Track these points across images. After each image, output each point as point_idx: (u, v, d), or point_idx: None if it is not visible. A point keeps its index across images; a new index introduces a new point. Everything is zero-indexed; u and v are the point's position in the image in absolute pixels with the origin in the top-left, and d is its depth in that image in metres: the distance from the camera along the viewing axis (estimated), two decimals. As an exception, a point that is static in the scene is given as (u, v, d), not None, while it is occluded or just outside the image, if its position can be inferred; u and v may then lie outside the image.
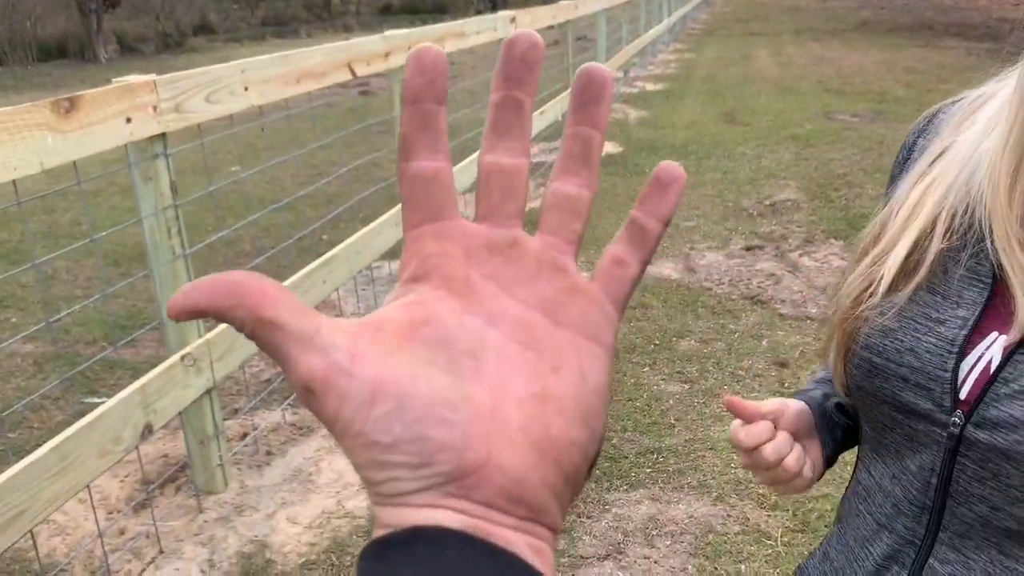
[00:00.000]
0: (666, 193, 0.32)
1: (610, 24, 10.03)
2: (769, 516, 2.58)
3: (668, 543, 2.50)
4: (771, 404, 0.92)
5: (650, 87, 11.14)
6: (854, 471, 0.93)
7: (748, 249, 4.82)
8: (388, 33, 3.91)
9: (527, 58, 0.31)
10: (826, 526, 2.51)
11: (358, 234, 3.46)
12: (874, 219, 0.86)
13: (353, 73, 3.52)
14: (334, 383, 0.28)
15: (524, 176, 0.32)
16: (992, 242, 0.74)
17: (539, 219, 0.32)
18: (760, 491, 2.69)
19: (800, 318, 3.91)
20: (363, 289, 4.24)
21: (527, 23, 5.99)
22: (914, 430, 0.79)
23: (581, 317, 0.31)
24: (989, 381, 0.73)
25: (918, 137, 0.91)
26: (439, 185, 0.31)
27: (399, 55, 3.93)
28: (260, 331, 0.28)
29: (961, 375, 0.75)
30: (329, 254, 3.24)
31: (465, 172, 4.81)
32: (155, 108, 2.41)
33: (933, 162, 0.83)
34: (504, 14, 5.72)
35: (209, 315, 0.28)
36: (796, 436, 0.92)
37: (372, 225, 3.58)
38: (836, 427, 0.97)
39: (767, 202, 5.66)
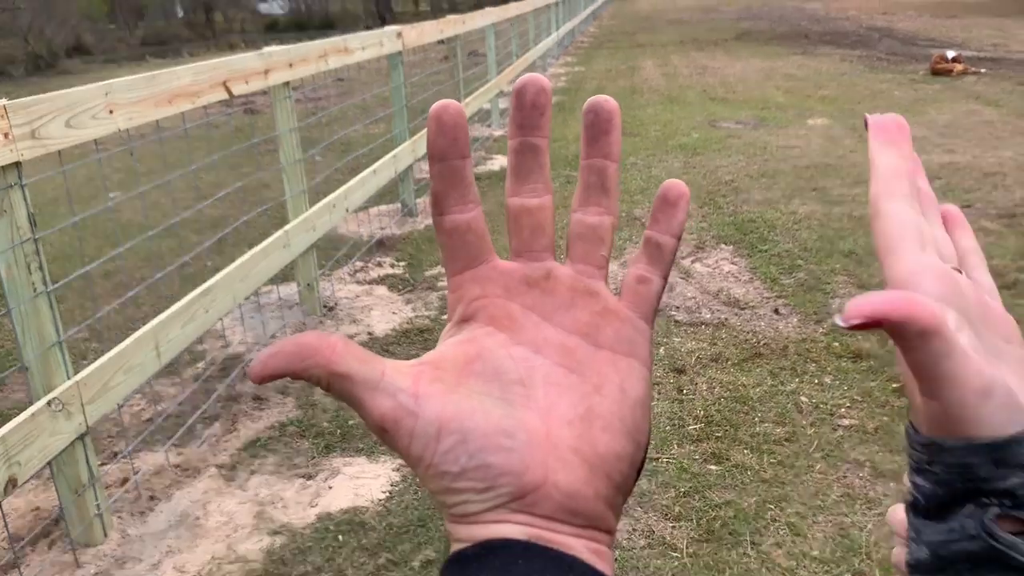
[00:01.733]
0: (675, 209, 0.35)
1: (500, 38, 10.05)
2: (674, 527, 2.56)
3: (575, 563, 2.45)
4: None
5: (542, 100, 11.20)
6: None
7: (643, 258, 4.86)
8: (266, 50, 3.77)
9: (537, 103, 0.34)
10: (730, 534, 2.51)
11: (241, 259, 3.30)
12: None
13: (229, 92, 3.37)
14: (403, 423, 0.31)
15: (550, 212, 0.35)
16: None
17: (567, 248, 0.35)
18: (664, 502, 2.68)
19: (695, 324, 3.95)
20: (251, 317, 4.06)
21: (414, 38, 5.91)
22: None
23: (616, 336, 0.34)
24: None
25: None
26: (474, 234, 0.34)
27: (280, 72, 3.80)
28: (334, 383, 0.31)
29: None
30: (210, 282, 3.08)
31: (361, 187, 4.69)
32: (6, 135, 2.23)
33: None
34: (390, 29, 5.62)
35: (287, 376, 0.30)
36: None
37: (256, 249, 3.43)
38: None
39: (659, 210, 5.74)
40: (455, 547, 0.31)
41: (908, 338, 0.29)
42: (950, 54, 11.41)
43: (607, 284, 0.35)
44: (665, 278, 0.36)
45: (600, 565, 0.31)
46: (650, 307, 0.35)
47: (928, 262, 0.36)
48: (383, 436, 0.32)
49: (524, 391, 0.32)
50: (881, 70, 12.20)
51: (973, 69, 11.19)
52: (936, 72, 11.12)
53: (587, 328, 0.34)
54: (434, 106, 0.33)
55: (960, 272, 0.38)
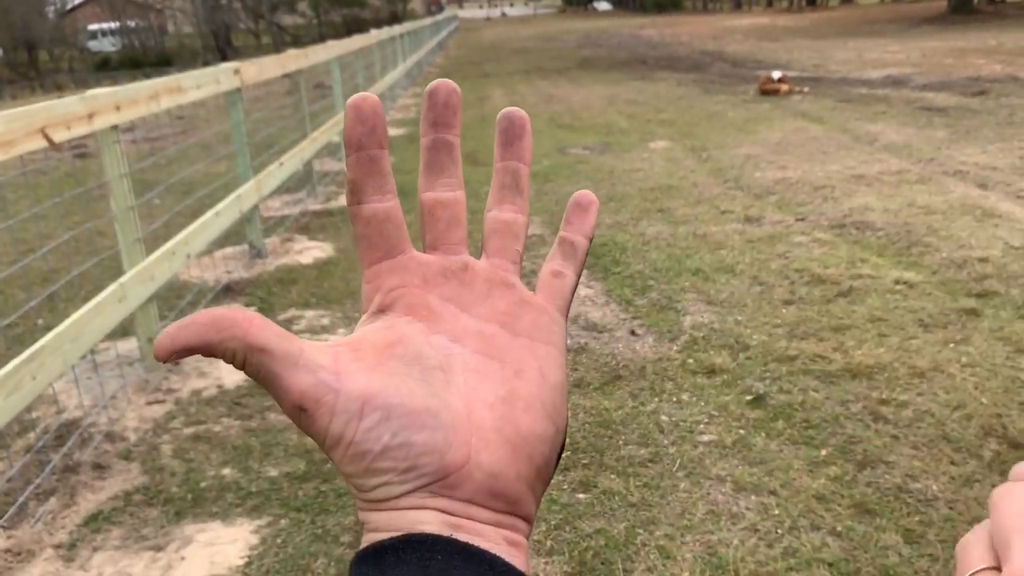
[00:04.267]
0: (586, 213, 0.38)
1: (345, 71, 9.92)
2: (547, 563, 2.53)
3: (449, 611, 2.37)
4: None
5: (393, 132, 11.14)
6: None
7: (501, 287, 4.86)
8: (90, 93, 3.54)
9: (450, 103, 0.35)
10: (603, 563, 2.50)
11: (71, 318, 3.06)
12: None
13: (50, 140, 3.14)
14: (324, 400, 0.30)
15: (463, 207, 0.36)
16: None
17: (483, 243, 0.37)
18: (536, 538, 2.64)
19: (557, 351, 3.96)
20: (87, 378, 3.77)
21: (253, 74, 5.74)
22: None
23: (533, 325, 0.35)
24: None
25: None
26: (391, 223, 0.34)
27: (106, 115, 3.57)
28: (251, 358, 0.29)
29: None
30: (36, 345, 2.84)
31: (204, 231, 4.47)
32: None
33: None
34: (227, 66, 5.43)
35: (199, 351, 0.29)
36: None
37: (88, 306, 3.19)
38: None
39: (515, 238, 5.77)
40: (370, 537, 0.31)
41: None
42: (776, 74, 12.15)
43: (521, 279, 0.37)
44: (578, 275, 0.38)
45: (517, 560, 0.31)
46: (564, 300, 0.37)
47: None
48: (300, 417, 0.30)
49: (444, 377, 0.32)
50: (715, 92, 12.84)
51: (797, 89, 11.95)
52: (764, 92, 11.80)
53: (505, 317, 0.35)
54: (352, 97, 0.33)
55: None
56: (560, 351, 0.36)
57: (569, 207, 0.39)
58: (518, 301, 0.35)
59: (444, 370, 0.32)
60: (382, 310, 0.34)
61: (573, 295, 0.38)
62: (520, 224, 0.37)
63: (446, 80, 0.35)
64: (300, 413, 0.30)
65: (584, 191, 0.39)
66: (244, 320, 0.30)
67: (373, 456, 0.30)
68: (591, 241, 0.39)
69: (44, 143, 3.10)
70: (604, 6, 78.40)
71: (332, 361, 0.31)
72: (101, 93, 3.57)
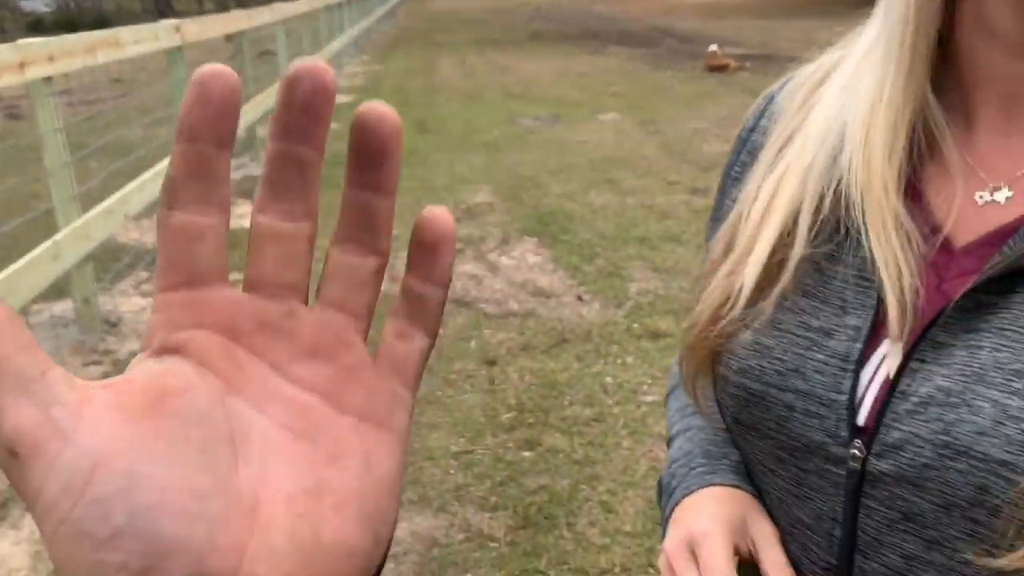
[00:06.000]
0: (436, 253, 0.28)
1: (290, 36, 9.73)
2: (491, 517, 2.54)
3: (392, 566, 2.37)
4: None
5: (340, 99, 10.92)
6: None
7: (448, 253, 4.84)
8: (22, 41, 3.41)
9: (311, 106, 0.24)
10: (546, 518, 2.52)
11: (1, 275, 2.96)
12: (719, 226, 0.70)
13: (-22, 88, 3.01)
14: (45, 447, 0.21)
15: (307, 244, 0.26)
16: (867, 230, 0.59)
17: (319, 287, 0.27)
18: (480, 493, 2.65)
19: (504, 315, 3.97)
20: (20, 337, 3.66)
21: (195, 33, 5.58)
22: (805, 471, 0.61)
23: (366, 400, 0.27)
24: (887, 399, 0.57)
25: (759, 119, 0.75)
26: (206, 246, 0.25)
27: (39, 66, 3.44)
28: None
29: (859, 396, 0.59)
30: (-35, 300, 2.73)
31: (141, 191, 4.36)
32: None
33: (781, 149, 0.67)
34: (168, 22, 5.27)
35: None
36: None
37: (20, 263, 3.08)
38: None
39: (463, 206, 5.74)
40: None
41: None
42: (712, 47, 12.26)
43: (366, 339, 0.28)
44: (432, 334, 0.28)
45: None
46: (412, 369, 0.28)
47: None
48: (9, 462, 0.21)
49: (232, 452, 0.24)
50: (664, 67, 12.90)
51: (736, 64, 12.06)
52: (712, 68, 11.88)
53: (330, 386, 0.26)
54: (202, 68, 0.23)
55: None
56: (399, 437, 0.27)
57: (412, 240, 0.28)
58: (352, 367, 0.27)
59: (234, 443, 0.24)
60: (167, 351, 0.24)
61: (424, 364, 0.28)
62: (370, 269, 0.27)
63: (316, 66, 0.24)
64: (11, 458, 0.21)
65: (431, 214, 0.28)
66: None
67: (95, 543, 0.21)
68: (447, 287, 0.28)
69: (-28, 91, 2.98)
70: (555, -19, 78.05)
71: (76, 400, 0.22)
72: (35, 42, 3.44)
